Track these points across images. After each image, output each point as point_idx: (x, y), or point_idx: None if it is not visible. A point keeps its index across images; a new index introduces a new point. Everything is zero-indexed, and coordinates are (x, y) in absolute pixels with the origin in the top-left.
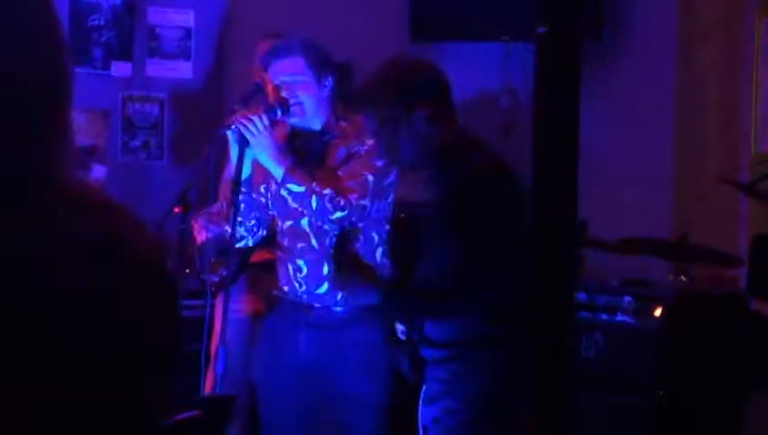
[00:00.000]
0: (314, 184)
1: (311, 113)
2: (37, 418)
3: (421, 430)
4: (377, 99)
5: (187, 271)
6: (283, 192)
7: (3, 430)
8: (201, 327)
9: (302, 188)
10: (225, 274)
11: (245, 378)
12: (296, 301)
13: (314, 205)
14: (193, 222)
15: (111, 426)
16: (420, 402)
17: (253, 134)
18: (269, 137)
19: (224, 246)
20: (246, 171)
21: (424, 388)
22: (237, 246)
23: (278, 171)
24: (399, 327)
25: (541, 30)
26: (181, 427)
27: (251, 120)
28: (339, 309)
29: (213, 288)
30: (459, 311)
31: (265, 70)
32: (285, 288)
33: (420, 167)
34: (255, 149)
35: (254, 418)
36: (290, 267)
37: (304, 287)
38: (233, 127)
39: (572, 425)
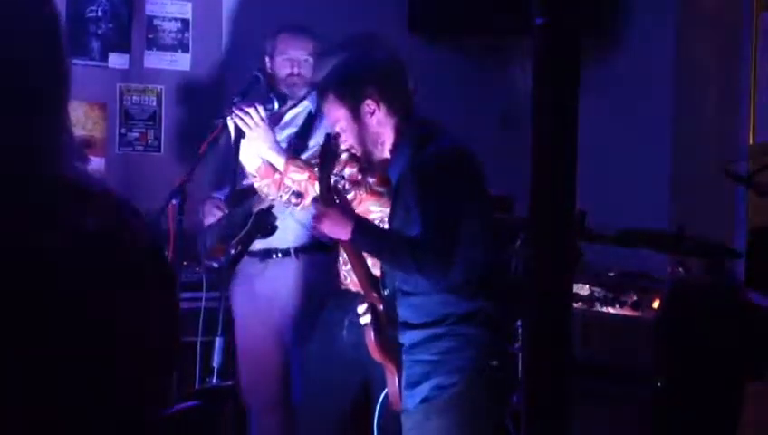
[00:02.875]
0: (316, 170)
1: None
2: (36, 410)
3: (377, 420)
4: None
5: (185, 263)
6: (287, 180)
7: (2, 428)
8: (196, 319)
9: (304, 175)
10: (222, 260)
11: (280, 370)
12: (344, 289)
13: (317, 190)
14: (201, 205)
15: (112, 415)
16: (402, 388)
17: (249, 127)
18: (266, 128)
19: (226, 233)
20: (255, 161)
21: (404, 374)
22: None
23: (279, 161)
24: (360, 310)
25: (539, 21)
26: (180, 417)
27: (247, 113)
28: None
29: (212, 274)
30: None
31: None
32: (339, 278)
33: (378, 158)
34: (253, 141)
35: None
36: (340, 259)
37: (349, 279)
38: (229, 118)
39: (568, 416)
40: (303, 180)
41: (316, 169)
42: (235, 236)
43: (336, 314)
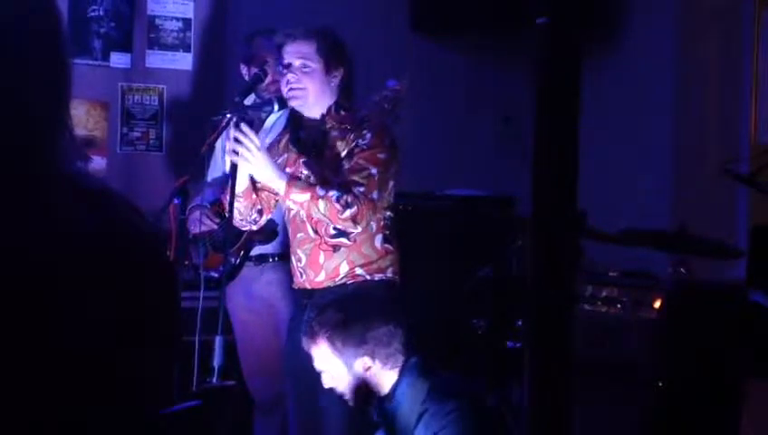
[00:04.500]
0: (318, 188)
1: (311, 100)
2: (35, 411)
3: None
4: None
5: (186, 263)
6: (289, 202)
7: (1, 429)
8: (194, 319)
9: (306, 196)
10: (223, 270)
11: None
12: (302, 289)
13: (321, 208)
14: (187, 214)
15: (111, 414)
16: None
17: (247, 158)
18: (264, 155)
19: (220, 243)
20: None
21: None
22: (242, 229)
23: (280, 186)
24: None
25: (540, 20)
26: (181, 416)
27: (241, 143)
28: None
29: (212, 283)
30: None
31: (279, 49)
32: (294, 279)
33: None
34: (253, 169)
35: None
36: (293, 259)
37: (305, 277)
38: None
39: (570, 416)
40: (306, 201)
41: (318, 189)
42: (233, 245)
43: (296, 313)
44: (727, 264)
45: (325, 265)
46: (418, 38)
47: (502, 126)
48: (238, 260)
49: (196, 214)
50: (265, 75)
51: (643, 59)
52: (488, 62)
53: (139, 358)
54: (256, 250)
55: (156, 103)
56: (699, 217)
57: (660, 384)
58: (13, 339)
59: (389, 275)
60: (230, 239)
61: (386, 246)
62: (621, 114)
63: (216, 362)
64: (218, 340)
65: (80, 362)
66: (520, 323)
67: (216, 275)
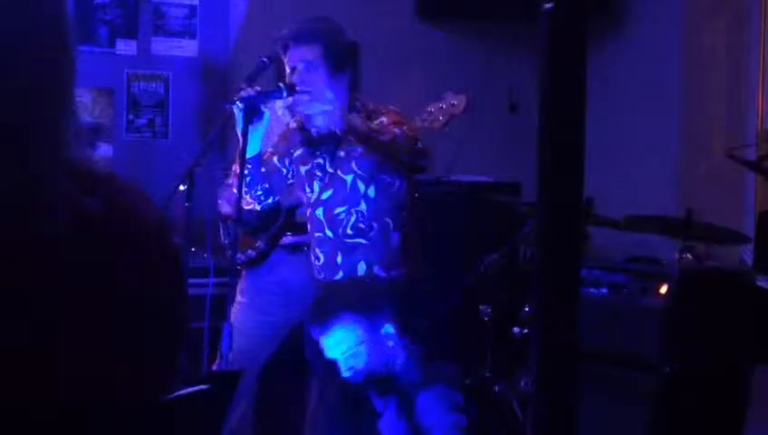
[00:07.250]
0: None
1: (319, 103)
2: (37, 393)
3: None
4: None
5: (193, 249)
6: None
7: (9, 425)
8: (203, 305)
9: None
10: (252, 254)
11: (252, 359)
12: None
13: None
14: (219, 195)
15: (113, 400)
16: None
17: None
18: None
19: (252, 226)
20: (255, 147)
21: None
22: (246, 208)
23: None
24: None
25: (547, 6)
26: (186, 401)
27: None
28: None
29: (240, 266)
30: None
31: (283, 51)
32: (314, 274)
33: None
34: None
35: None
36: (312, 256)
37: (323, 275)
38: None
39: (576, 402)
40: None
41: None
42: (263, 230)
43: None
44: (734, 250)
45: (343, 266)
46: (424, 24)
47: (508, 111)
48: (266, 247)
49: (227, 194)
50: (271, 63)
51: (650, 45)
52: (494, 48)
53: (142, 341)
54: (289, 239)
55: (161, 90)
56: (706, 203)
57: (666, 370)
58: (12, 322)
59: (407, 272)
60: (263, 222)
61: (403, 243)
62: (628, 100)
63: (224, 349)
64: (227, 326)
65: (80, 344)
66: (527, 309)
67: (245, 258)
